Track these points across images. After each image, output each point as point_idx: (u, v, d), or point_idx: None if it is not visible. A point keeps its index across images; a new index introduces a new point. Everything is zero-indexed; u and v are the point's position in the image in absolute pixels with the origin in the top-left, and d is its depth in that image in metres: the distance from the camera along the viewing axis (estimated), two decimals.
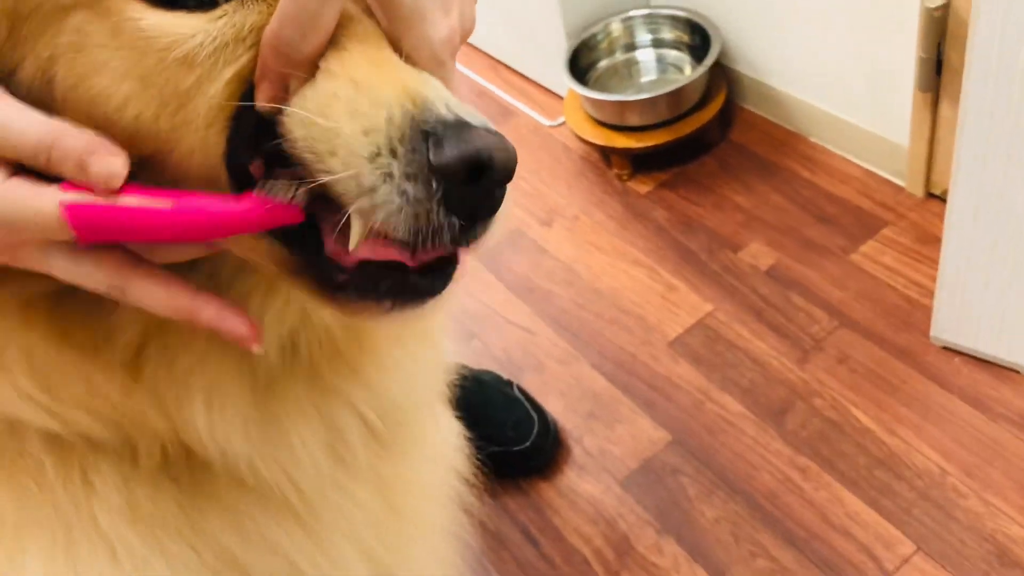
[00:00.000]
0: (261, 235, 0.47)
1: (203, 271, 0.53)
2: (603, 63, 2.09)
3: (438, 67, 0.49)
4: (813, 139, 1.92)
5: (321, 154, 0.43)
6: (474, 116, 0.45)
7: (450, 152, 0.42)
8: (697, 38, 1.99)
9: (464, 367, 1.65)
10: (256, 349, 0.48)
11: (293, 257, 0.48)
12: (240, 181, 0.46)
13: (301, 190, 0.44)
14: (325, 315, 0.58)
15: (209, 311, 0.46)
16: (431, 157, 0.42)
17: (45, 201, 0.42)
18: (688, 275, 1.75)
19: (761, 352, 1.59)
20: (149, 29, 0.43)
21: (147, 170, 0.45)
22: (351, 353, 0.60)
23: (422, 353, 0.67)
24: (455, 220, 0.43)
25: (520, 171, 2.08)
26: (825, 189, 1.83)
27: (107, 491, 0.54)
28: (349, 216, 0.43)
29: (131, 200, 0.43)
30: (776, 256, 1.73)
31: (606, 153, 2.01)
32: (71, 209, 0.42)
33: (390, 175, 0.42)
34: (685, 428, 1.52)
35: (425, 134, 0.43)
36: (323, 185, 0.43)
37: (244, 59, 0.45)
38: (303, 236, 0.47)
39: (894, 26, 1.58)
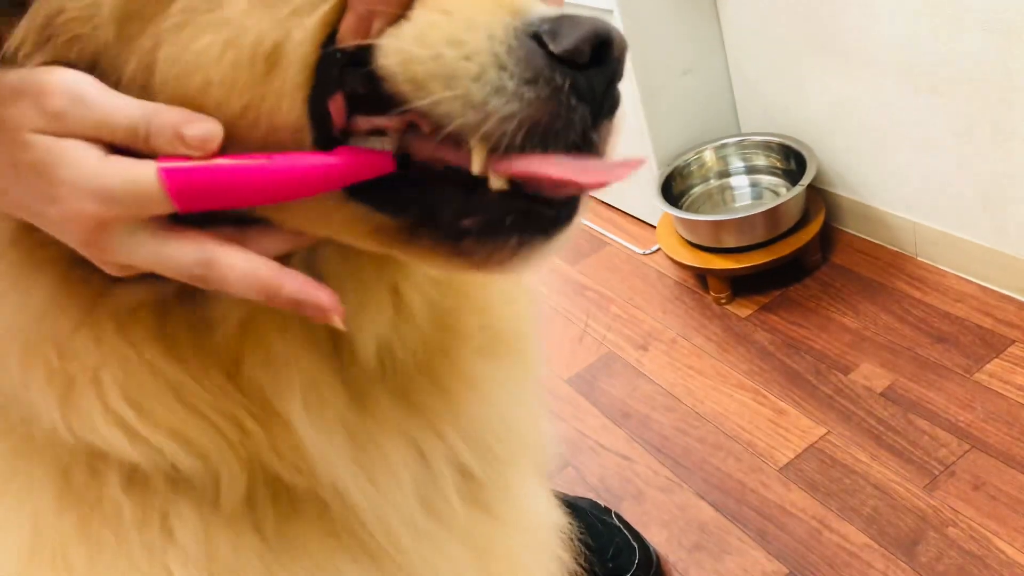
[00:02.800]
0: (368, 213, 0.47)
1: (297, 267, 0.50)
2: (696, 190, 2.08)
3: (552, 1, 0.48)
4: (921, 258, 1.84)
5: (422, 81, 0.42)
6: (577, 12, 0.45)
7: (570, 36, 0.42)
8: (792, 162, 1.97)
9: (558, 493, 1.57)
10: (338, 323, 0.45)
11: (406, 222, 0.46)
12: (322, 132, 0.45)
13: (389, 141, 0.44)
14: (424, 315, 0.55)
15: (292, 284, 0.44)
16: (552, 48, 0.42)
17: (144, 170, 0.42)
18: (797, 398, 1.65)
19: (883, 478, 1.46)
20: None
21: (237, 136, 0.45)
22: (439, 366, 0.57)
23: (511, 373, 0.63)
24: (586, 109, 0.43)
25: (614, 297, 2.05)
26: (939, 308, 1.73)
27: (186, 540, 0.50)
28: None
29: (225, 161, 0.43)
30: (891, 377, 1.63)
31: (703, 277, 1.96)
32: (168, 173, 0.42)
33: (501, 88, 0.41)
34: (803, 560, 1.39)
35: (536, 35, 0.42)
36: (424, 117, 0.42)
37: None
38: (413, 200, 0.46)
39: (1006, 133, 1.53)
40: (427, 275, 0.57)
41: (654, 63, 1.97)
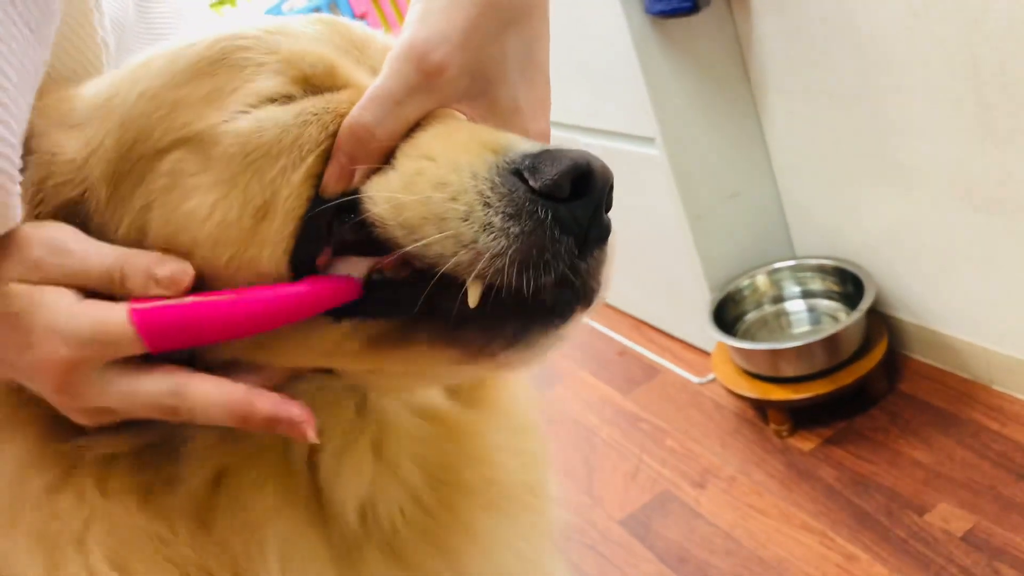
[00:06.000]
0: (360, 325, 0.47)
1: None
2: (751, 315, 2.01)
3: None
4: (997, 387, 1.72)
5: (414, 225, 0.43)
6: (560, 146, 0.45)
7: (549, 172, 0.43)
8: (849, 286, 1.89)
9: None
10: (311, 436, 0.46)
11: (401, 321, 0.47)
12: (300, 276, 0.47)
13: (362, 267, 0.46)
14: (412, 473, 0.55)
15: (264, 402, 0.45)
16: (532, 184, 0.43)
17: (115, 312, 0.44)
18: (868, 542, 1.52)
19: None
20: (238, 129, 0.46)
21: (217, 285, 0.46)
22: (440, 518, 0.55)
23: (519, 530, 0.60)
24: (570, 241, 0.43)
25: (669, 430, 1.96)
26: (1020, 442, 1.60)
27: None
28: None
29: (195, 298, 0.44)
30: (972, 519, 1.49)
31: (762, 408, 1.87)
32: (139, 313, 0.43)
33: (489, 224, 0.43)
34: None
35: (517, 171, 0.44)
36: (418, 259, 0.44)
37: (327, 144, 0.47)
38: (412, 297, 0.46)
39: None
40: (414, 433, 0.56)
41: (699, 187, 1.94)
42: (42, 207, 0.48)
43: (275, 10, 3.56)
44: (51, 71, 0.53)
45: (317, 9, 3.47)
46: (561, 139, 2.22)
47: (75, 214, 0.48)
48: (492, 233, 0.43)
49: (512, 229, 0.43)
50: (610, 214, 0.48)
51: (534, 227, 0.43)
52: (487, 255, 0.42)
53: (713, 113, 1.91)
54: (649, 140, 1.90)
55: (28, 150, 0.48)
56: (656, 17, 1.77)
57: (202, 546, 0.49)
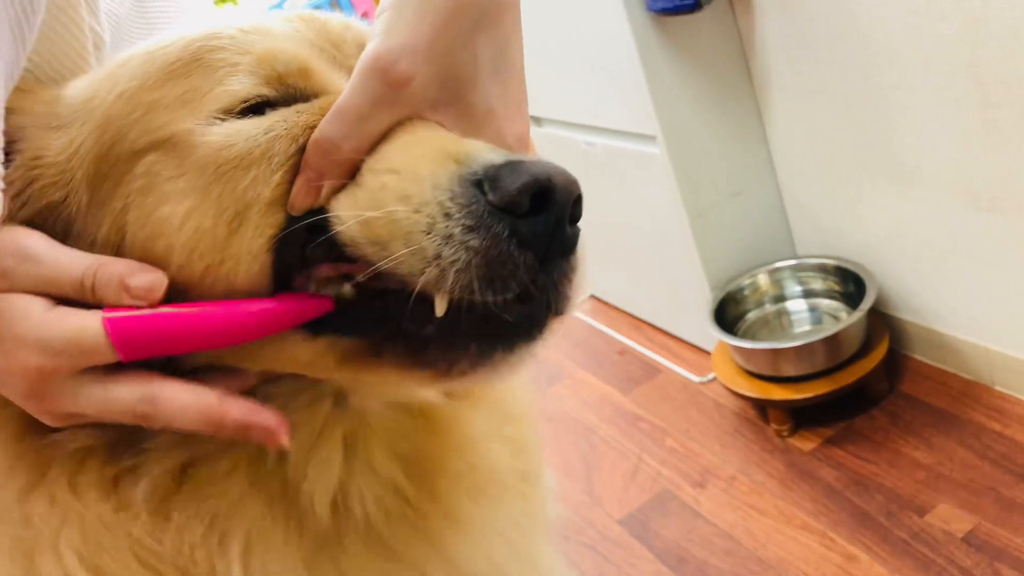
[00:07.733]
0: (335, 341, 0.47)
1: None
2: (752, 315, 2.00)
3: None
4: (999, 388, 1.72)
5: (383, 243, 0.43)
6: (527, 156, 0.45)
7: (507, 186, 0.42)
8: (851, 286, 1.89)
9: None
10: (284, 442, 0.45)
11: (366, 340, 0.47)
12: (280, 290, 0.46)
13: (334, 286, 0.45)
14: (387, 466, 0.54)
15: (236, 408, 0.45)
16: (490, 198, 0.42)
17: (88, 321, 0.43)
18: (869, 542, 1.52)
19: None
20: (210, 141, 0.46)
21: (195, 296, 0.46)
22: (422, 507, 0.55)
23: (508, 515, 0.60)
24: (530, 256, 0.43)
25: (669, 429, 1.96)
26: (1021, 442, 1.60)
27: None
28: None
29: (169, 309, 0.44)
30: (973, 520, 1.49)
31: (762, 407, 1.86)
32: (113, 323, 0.43)
33: (449, 236, 0.42)
34: None
35: (478, 183, 0.43)
36: (390, 276, 0.43)
37: (296, 160, 0.46)
38: (375, 318, 0.46)
39: None
40: (392, 426, 0.56)
41: (701, 186, 1.93)
42: (26, 209, 0.48)
43: (278, 7, 3.56)
44: (35, 70, 0.53)
45: (318, 7, 3.47)
46: (562, 138, 2.22)
47: (58, 216, 0.48)
48: (452, 246, 0.42)
49: (471, 242, 0.42)
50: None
51: (492, 241, 0.42)
52: (452, 271, 0.42)
53: (715, 111, 1.90)
54: (650, 138, 1.89)
55: (13, 151, 0.48)
56: (658, 15, 1.77)
57: (161, 536, 0.48)
